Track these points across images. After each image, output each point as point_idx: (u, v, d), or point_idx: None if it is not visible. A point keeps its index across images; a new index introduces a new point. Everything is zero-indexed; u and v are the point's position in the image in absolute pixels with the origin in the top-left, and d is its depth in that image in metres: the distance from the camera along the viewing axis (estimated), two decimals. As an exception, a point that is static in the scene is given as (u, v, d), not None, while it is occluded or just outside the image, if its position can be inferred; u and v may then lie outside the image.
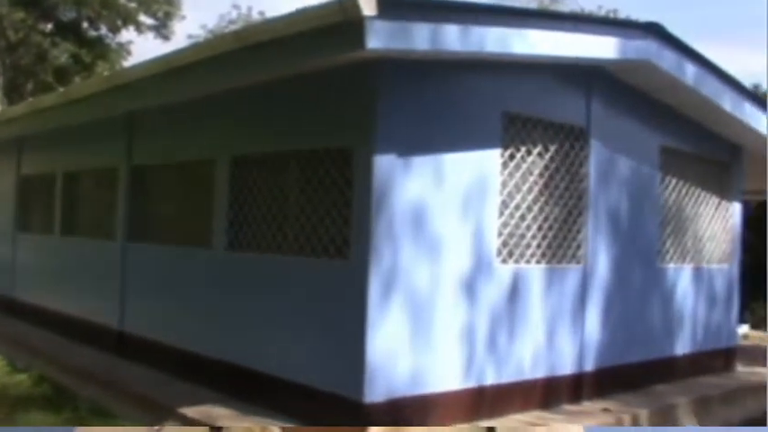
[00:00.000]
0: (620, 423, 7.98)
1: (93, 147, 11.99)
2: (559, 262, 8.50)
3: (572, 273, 8.60)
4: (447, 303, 7.40)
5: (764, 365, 11.68)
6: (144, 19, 30.61)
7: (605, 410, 8.27)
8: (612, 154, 9.03)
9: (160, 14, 30.59)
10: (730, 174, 11.17)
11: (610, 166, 9.01)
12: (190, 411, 7.62)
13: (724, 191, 11.11)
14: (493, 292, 7.80)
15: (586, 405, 8.50)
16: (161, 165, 10.35)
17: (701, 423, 8.83)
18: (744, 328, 14.89)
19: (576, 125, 8.63)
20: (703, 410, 9.06)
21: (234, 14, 37.73)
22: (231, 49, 7.12)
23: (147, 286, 10.28)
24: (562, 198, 8.53)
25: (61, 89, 19.59)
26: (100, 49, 29.73)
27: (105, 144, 11.51)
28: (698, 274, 10.54)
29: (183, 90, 8.41)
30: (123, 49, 30.98)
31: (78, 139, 12.33)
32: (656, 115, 9.71)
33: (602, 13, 30.92)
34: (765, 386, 10.47)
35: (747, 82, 18.86)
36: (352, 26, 5.90)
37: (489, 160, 7.77)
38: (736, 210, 11.32)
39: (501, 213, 7.90)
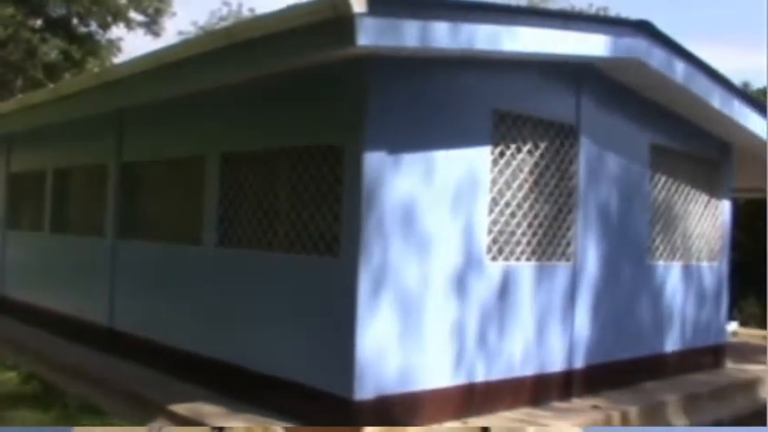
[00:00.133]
0: (609, 420, 8.00)
1: (83, 143, 11.96)
2: (549, 259, 8.51)
3: (562, 270, 8.62)
4: (437, 301, 7.40)
5: (753, 363, 11.72)
6: (134, 15, 30.50)
7: (595, 407, 8.29)
8: (602, 151, 9.05)
9: (150, 11, 30.47)
10: (720, 171, 11.20)
11: (600, 164, 9.03)
12: (180, 409, 7.61)
13: (713, 188, 11.15)
14: (483, 289, 7.80)
15: (576, 402, 8.51)
16: (151, 161, 10.33)
17: (691, 420, 8.85)
18: (733, 326, 14.94)
19: (566, 123, 8.64)
20: (693, 407, 9.08)
21: (224, 11, 37.64)
22: (221, 46, 7.12)
23: (137, 283, 10.26)
24: (552, 195, 8.54)
25: (51, 85, 19.52)
26: (90, 46, 29.61)
27: (95, 141, 11.48)
28: (687, 271, 10.57)
29: (173, 87, 8.40)
30: (113, 46, 30.85)
31: (68, 136, 12.30)
32: (646, 113, 9.73)
33: (593, 10, 30.94)
34: (754, 383, 10.52)
35: (737, 80, 18.93)
36: (343, 23, 5.90)
37: (479, 158, 7.78)
38: (725, 207, 11.36)
39: (491, 211, 7.90)
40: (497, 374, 7.95)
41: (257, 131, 8.38)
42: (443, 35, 6.49)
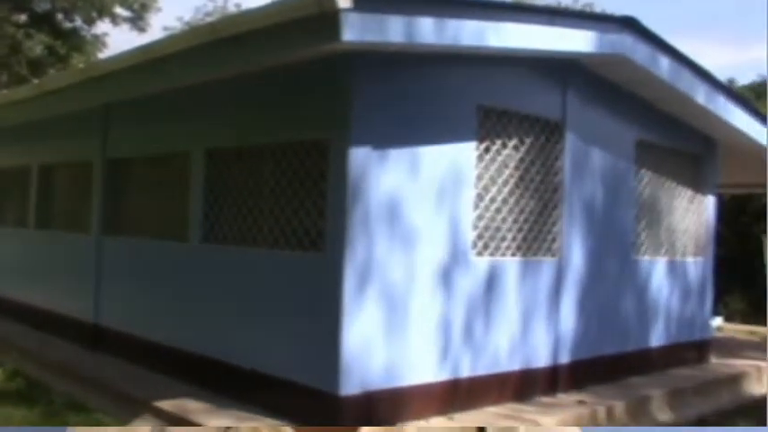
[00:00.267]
0: (594, 415, 8.02)
1: (68, 139, 11.91)
2: (535, 255, 8.53)
3: (547, 265, 8.64)
4: (422, 296, 7.41)
5: (738, 358, 11.78)
6: (119, 11, 30.34)
7: (580, 402, 8.32)
8: (588, 147, 9.07)
9: (136, 6, 30.32)
10: (705, 167, 11.24)
11: (585, 160, 9.05)
12: (165, 405, 7.60)
13: (698, 184, 11.19)
14: (468, 284, 7.81)
15: (561, 397, 8.54)
16: (136, 157, 10.30)
17: (676, 415, 8.89)
18: (717, 321, 15.01)
19: (551, 118, 8.66)
20: (677, 402, 9.12)
21: (210, 7, 37.56)
22: (207, 42, 7.08)
23: (122, 280, 10.23)
24: (537, 191, 8.56)
25: (36, 81, 19.43)
26: (75, 41, 29.46)
27: (80, 137, 11.44)
28: (672, 266, 10.61)
29: (159, 83, 8.36)
30: (98, 41, 30.69)
31: (53, 132, 12.24)
32: (632, 109, 9.76)
33: (578, 7, 30.98)
34: (739, 378, 10.57)
35: (722, 76, 19.02)
36: (328, 19, 5.89)
37: (464, 153, 7.79)
38: (710, 203, 11.40)
39: (476, 206, 7.92)
40: (483, 370, 7.97)
41: (242, 127, 8.37)
42: (428, 31, 6.48)
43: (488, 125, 8.02)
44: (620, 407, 8.36)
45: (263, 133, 8.05)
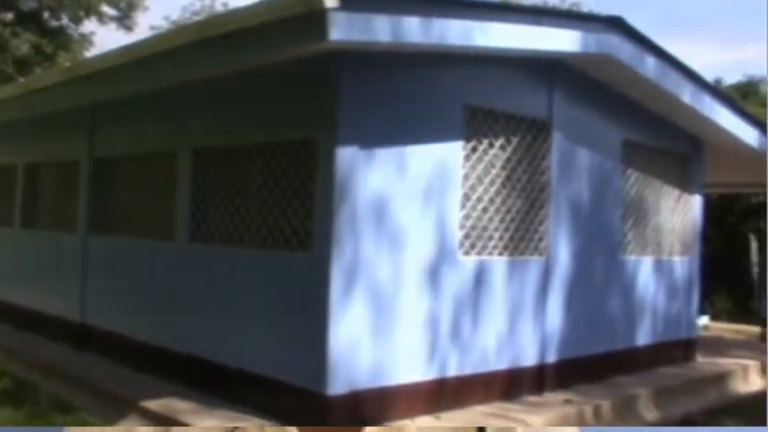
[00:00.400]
0: (581, 414, 8.04)
1: (54, 138, 11.87)
2: (522, 254, 8.55)
3: (534, 265, 8.65)
4: (409, 296, 7.41)
5: (724, 356, 11.82)
6: (106, 10, 30.21)
7: (567, 401, 8.34)
8: (575, 146, 9.09)
9: (123, 5, 30.21)
10: (691, 167, 11.28)
11: (572, 159, 9.07)
12: (152, 405, 7.58)
13: (685, 184, 11.22)
14: (455, 284, 7.82)
15: (548, 396, 8.56)
16: (123, 157, 10.27)
17: (662, 413, 8.91)
18: (704, 320, 15.07)
19: (538, 118, 8.67)
20: (664, 401, 9.15)
21: (197, 6, 37.43)
22: (194, 41, 7.07)
23: (109, 279, 10.20)
24: (524, 190, 8.57)
25: (22, 80, 19.36)
26: (61, 40, 29.33)
27: (67, 135, 11.40)
28: (659, 266, 10.64)
29: (146, 82, 8.34)
30: (85, 40, 30.57)
31: (40, 131, 12.20)
32: (619, 108, 9.79)
33: (565, 6, 31.04)
34: (725, 377, 10.62)
35: (709, 76, 19.09)
36: (315, 18, 5.89)
37: (451, 152, 7.80)
38: (696, 203, 11.44)
39: (463, 206, 7.93)
40: (470, 369, 7.98)
41: (230, 127, 8.35)
42: (415, 30, 6.49)
43: (475, 125, 8.03)
44: (606, 406, 8.38)
45: (250, 132, 8.05)
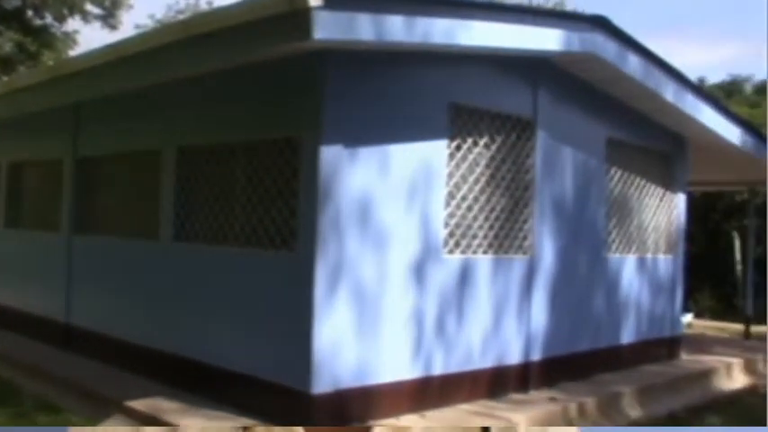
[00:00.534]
0: (566, 412, 8.07)
1: (38, 137, 11.82)
2: (506, 252, 8.57)
3: (519, 263, 8.67)
4: (394, 294, 7.42)
5: (707, 354, 11.88)
6: (90, 8, 30.12)
7: (552, 399, 8.37)
8: (559, 145, 9.12)
9: (107, 4, 30.09)
10: (675, 165, 11.33)
11: (556, 158, 9.10)
12: (137, 404, 7.56)
13: (668, 182, 11.28)
14: (440, 282, 7.83)
15: (533, 394, 8.58)
16: (107, 155, 10.24)
17: (646, 411, 8.95)
18: (688, 318, 15.14)
19: (522, 116, 8.69)
20: (648, 399, 9.19)
21: (182, 4, 37.36)
22: (178, 39, 7.05)
23: (94, 279, 10.17)
24: (509, 189, 8.59)
25: (5, 78, 19.27)
26: (45, 39, 29.20)
27: (51, 135, 11.36)
28: (643, 263, 10.69)
29: (130, 80, 8.31)
30: (69, 39, 30.43)
31: (23, 130, 12.14)
32: (603, 107, 9.82)
33: (549, 5, 31.10)
34: (708, 374, 10.67)
35: (693, 76, 19.17)
36: (299, 17, 5.88)
37: (436, 151, 7.81)
38: (680, 201, 11.49)
39: (447, 204, 7.94)
40: (455, 367, 7.99)
41: (214, 125, 8.34)
42: (399, 29, 6.49)
43: (459, 123, 8.05)
44: (591, 403, 8.42)
45: (235, 131, 8.04)
